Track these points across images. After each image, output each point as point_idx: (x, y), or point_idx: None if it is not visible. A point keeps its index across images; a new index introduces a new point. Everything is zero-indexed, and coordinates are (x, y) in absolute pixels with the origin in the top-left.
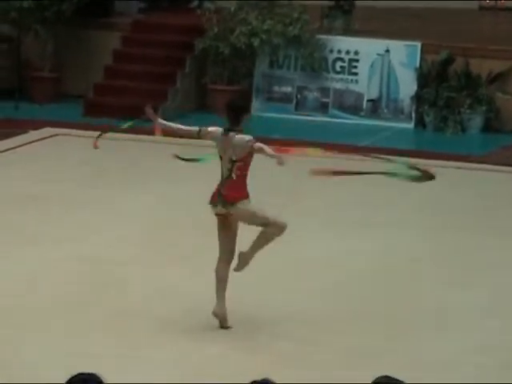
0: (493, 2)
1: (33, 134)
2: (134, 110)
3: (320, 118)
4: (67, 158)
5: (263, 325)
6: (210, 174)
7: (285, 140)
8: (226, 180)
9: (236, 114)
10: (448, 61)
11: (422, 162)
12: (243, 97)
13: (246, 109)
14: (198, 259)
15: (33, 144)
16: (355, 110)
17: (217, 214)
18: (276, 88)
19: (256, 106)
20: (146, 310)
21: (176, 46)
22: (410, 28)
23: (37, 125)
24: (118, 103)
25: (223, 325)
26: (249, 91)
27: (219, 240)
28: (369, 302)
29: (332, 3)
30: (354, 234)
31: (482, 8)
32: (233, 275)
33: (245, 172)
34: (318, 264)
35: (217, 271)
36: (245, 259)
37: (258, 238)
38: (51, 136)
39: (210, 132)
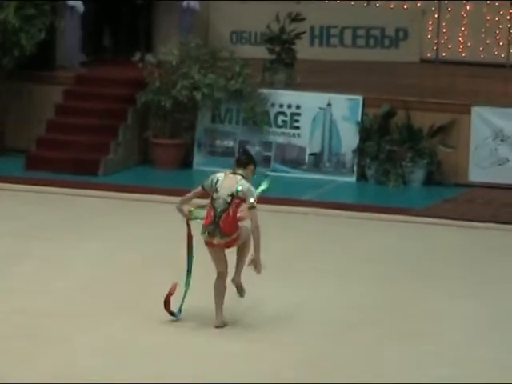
0: (434, 55)
1: None
2: (76, 163)
3: (262, 172)
4: (8, 212)
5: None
6: (145, 227)
7: None
8: (222, 212)
9: (245, 163)
10: (390, 114)
11: (364, 216)
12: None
13: (253, 161)
14: (136, 309)
15: None
16: (297, 163)
17: (210, 244)
18: (218, 142)
19: (198, 160)
20: (94, 365)
21: (118, 99)
22: (351, 81)
23: None
24: (61, 157)
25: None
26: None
27: (214, 263)
28: (315, 352)
29: (273, 57)
30: (300, 283)
31: (423, 61)
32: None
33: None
34: (265, 316)
35: (216, 287)
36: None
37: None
38: None
39: (211, 179)
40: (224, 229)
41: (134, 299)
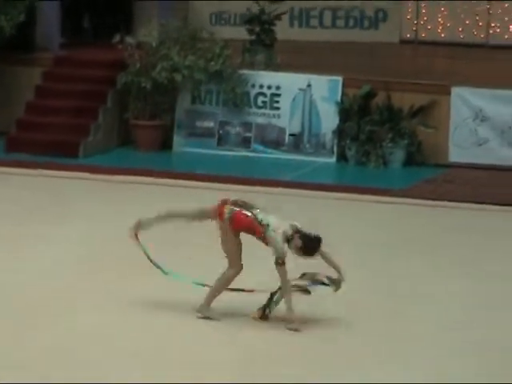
0: (413, 36)
1: None
2: (56, 145)
3: (242, 153)
4: None
5: None
6: (125, 208)
7: (208, 175)
8: None
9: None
10: (370, 95)
11: (344, 197)
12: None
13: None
14: (120, 293)
15: None
16: (277, 144)
17: None
18: (198, 123)
19: (178, 141)
20: (76, 346)
21: (98, 81)
22: (331, 62)
23: None
24: (41, 139)
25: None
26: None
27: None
28: (304, 342)
29: (253, 38)
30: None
31: (402, 41)
32: None
33: None
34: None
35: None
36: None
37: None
38: None
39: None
40: None
41: (114, 283)
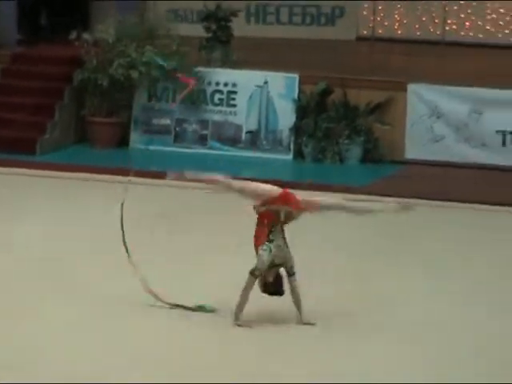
0: (370, 33)
1: None
2: (13, 142)
3: (199, 150)
4: None
5: None
6: (81, 206)
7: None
8: None
9: None
10: (326, 91)
11: (303, 194)
12: None
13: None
14: (78, 292)
15: None
16: (234, 141)
17: None
18: (155, 120)
19: (134, 138)
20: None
21: (55, 77)
22: (288, 59)
23: None
24: None
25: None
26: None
27: None
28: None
29: (209, 35)
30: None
31: (359, 38)
32: None
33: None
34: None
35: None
36: None
37: None
38: None
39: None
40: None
41: (72, 280)
